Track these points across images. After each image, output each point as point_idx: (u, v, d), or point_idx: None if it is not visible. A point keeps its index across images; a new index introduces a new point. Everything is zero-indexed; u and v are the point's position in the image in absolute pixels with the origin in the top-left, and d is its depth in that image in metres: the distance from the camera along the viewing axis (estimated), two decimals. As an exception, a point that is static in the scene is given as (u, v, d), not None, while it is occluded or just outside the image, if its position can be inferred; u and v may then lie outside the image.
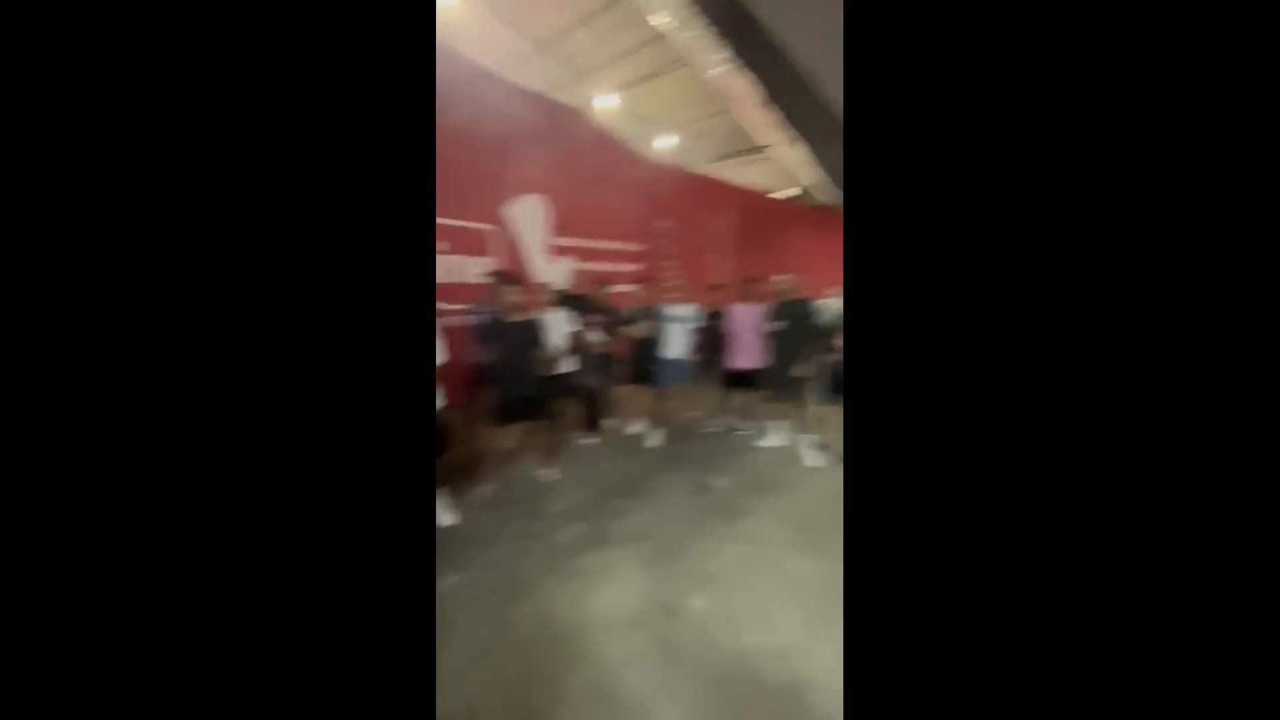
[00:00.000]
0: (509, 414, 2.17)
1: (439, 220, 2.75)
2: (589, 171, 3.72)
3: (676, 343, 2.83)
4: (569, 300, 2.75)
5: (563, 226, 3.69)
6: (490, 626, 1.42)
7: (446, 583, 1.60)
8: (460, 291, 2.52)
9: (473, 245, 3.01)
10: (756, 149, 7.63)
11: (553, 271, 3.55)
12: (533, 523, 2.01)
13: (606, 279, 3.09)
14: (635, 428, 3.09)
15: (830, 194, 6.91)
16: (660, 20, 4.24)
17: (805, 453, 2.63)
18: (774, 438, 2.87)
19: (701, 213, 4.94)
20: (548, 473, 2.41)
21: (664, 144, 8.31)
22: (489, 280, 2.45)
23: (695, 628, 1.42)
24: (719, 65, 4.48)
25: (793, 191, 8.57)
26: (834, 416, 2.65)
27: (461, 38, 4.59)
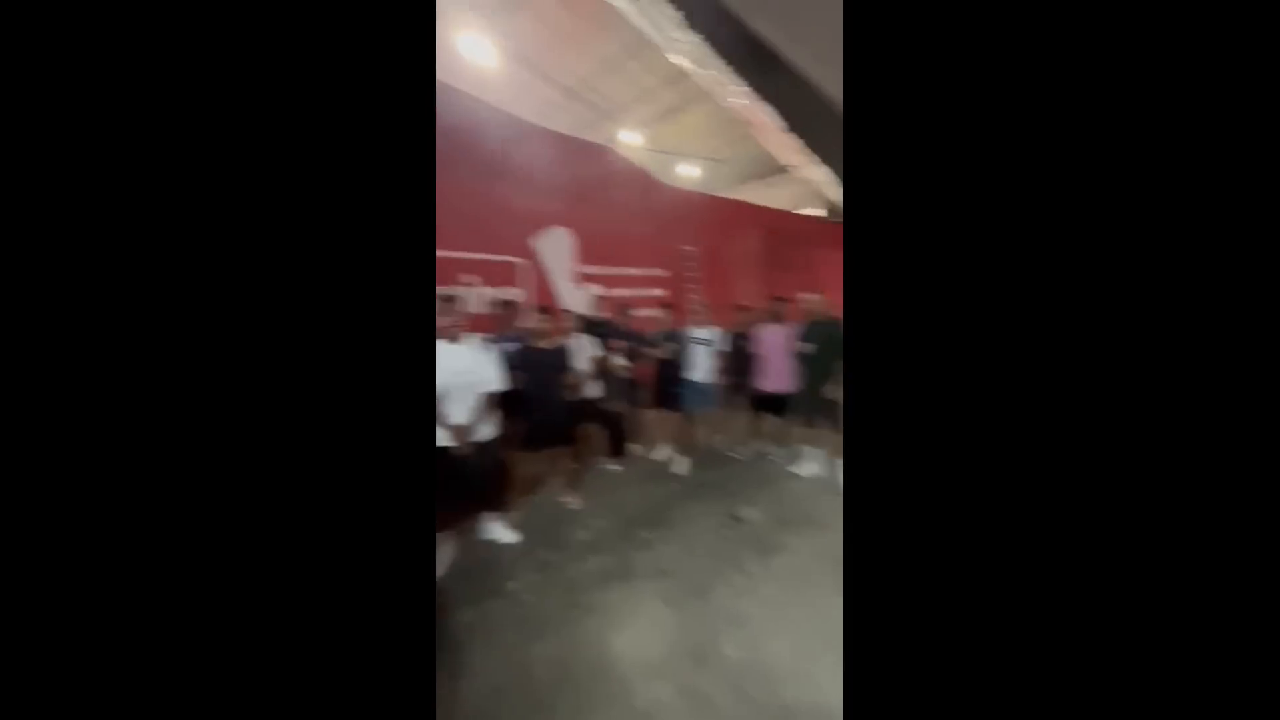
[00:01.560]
0: (536, 440, 2.18)
1: (470, 255, 2.93)
2: (613, 202, 3.86)
3: (702, 366, 2.78)
4: (593, 326, 2.80)
5: (588, 255, 3.81)
6: (507, 663, 1.37)
7: (460, 619, 1.57)
8: (490, 321, 2.63)
9: (502, 277, 3.16)
10: (780, 170, 7.68)
11: (578, 299, 3.64)
12: (554, 553, 1.96)
13: (630, 304, 3.13)
14: (661, 453, 3.01)
15: (859, 211, 6.72)
16: (680, 60, 4.46)
17: (843, 481, 2.44)
18: (808, 465, 2.70)
19: (726, 235, 4.96)
20: (571, 500, 2.37)
21: (688, 172, 8.56)
22: (501, 309, 2.55)
23: (727, 678, 1.29)
24: (738, 97, 4.62)
25: (819, 211, 8.48)
26: (874, 443, 2.45)
27: (498, 92, 5.03)
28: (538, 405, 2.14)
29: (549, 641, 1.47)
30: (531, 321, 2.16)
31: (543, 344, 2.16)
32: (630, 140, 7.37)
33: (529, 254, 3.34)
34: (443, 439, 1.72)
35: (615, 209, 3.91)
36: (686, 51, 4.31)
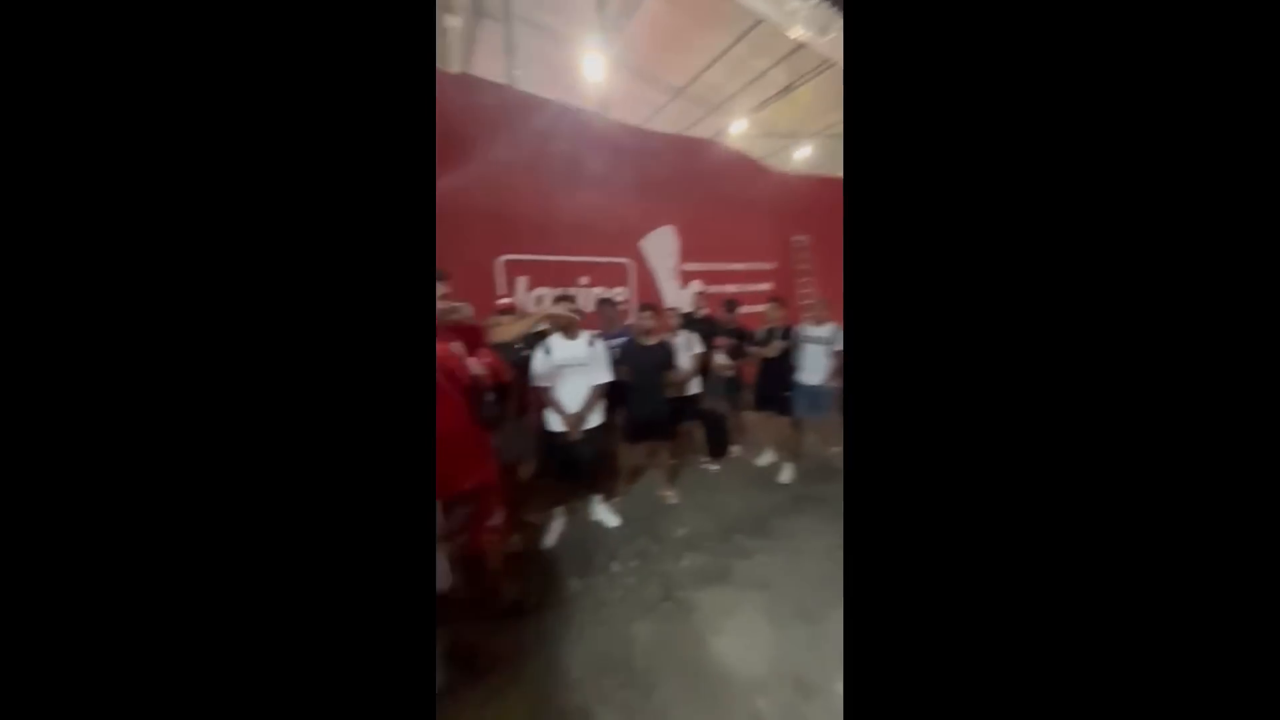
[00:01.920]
0: (635, 433, 2.27)
1: (581, 259, 3.19)
2: (718, 196, 3.76)
3: (815, 367, 2.51)
4: (696, 323, 2.77)
5: (693, 251, 3.80)
6: (611, 636, 1.46)
7: (572, 587, 1.73)
8: (599, 319, 2.84)
9: (615, 277, 3.37)
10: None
11: (682, 296, 3.66)
12: (653, 544, 2.01)
13: (736, 299, 3.01)
14: (765, 459, 2.84)
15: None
16: (798, 31, 4.10)
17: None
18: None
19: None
20: (670, 496, 2.40)
21: (802, 154, 7.83)
22: (608, 308, 2.70)
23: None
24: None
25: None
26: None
27: (607, 102, 5.36)
28: (638, 399, 2.22)
29: (649, 623, 1.52)
30: (637, 319, 2.25)
31: (646, 340, 2.23)
32: (739, 129, 7.07)
33: (636, 253, 3.49)
34: (555, 425, 1.92)
35: (720, 203, 3.80)
36: (806, 18, 3.95)
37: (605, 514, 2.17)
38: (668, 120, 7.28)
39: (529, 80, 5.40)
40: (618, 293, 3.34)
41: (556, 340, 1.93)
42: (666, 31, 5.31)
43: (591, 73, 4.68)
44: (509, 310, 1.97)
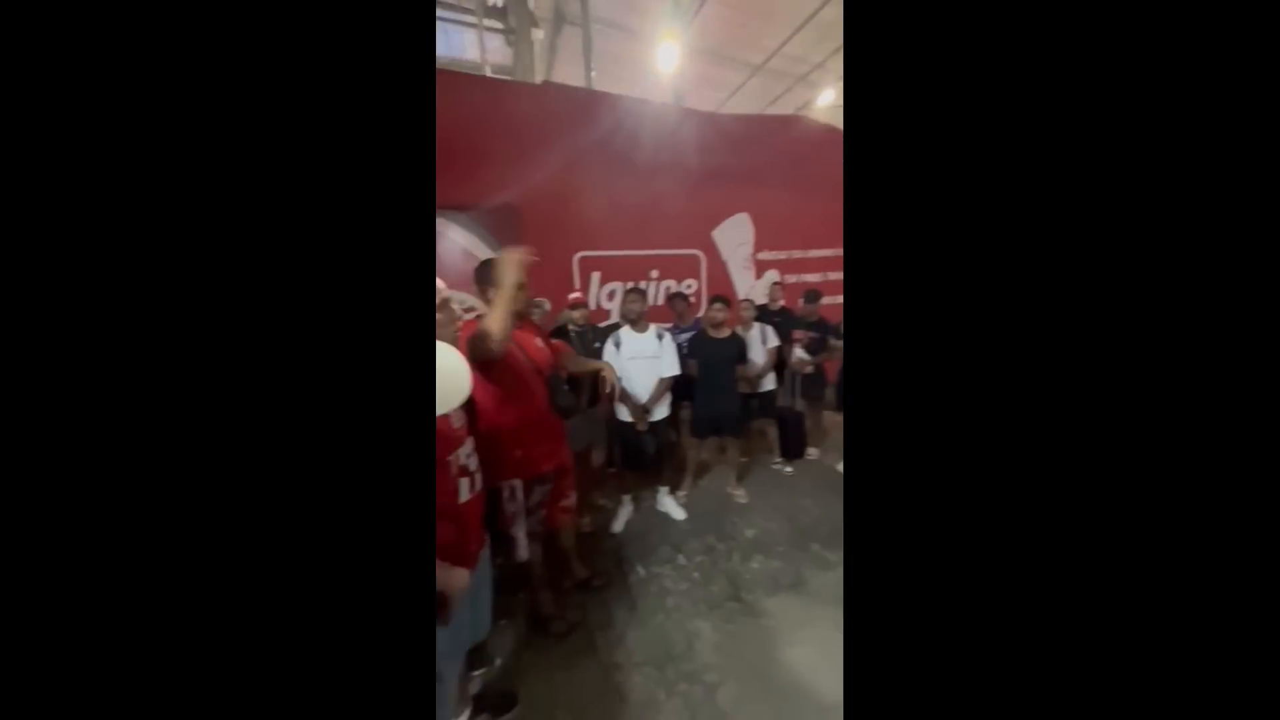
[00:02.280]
0: (702, 428, 2.23)
1: (651, 252, 3.19)
2: (801, 177, 3.46)
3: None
4: (770, 315, 2.61)
5: (770, 239, 3.57)
6: (674, 628, 1.47)
7: (638, 573, 1.77)
8: (669, 311, 2.83)
9: (687, 270, 3.32)
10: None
11: (758, 287, 3.48)
12: (719, 542, 1.97)
13: (818, 290, 2.76)
14: (847, 464, 2.58)
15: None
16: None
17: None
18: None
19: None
20: (739, 494, 2.32)
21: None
22: (678, 301, 2.65)
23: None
24: None
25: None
26: None
27: (681, 90, 5.25)
28: (705, 393, 2.17)
29: (712, 621, 1.50)
30: (706, 311, 2.19)
31: (716, 333, 2.17)
32: (827, 101, 6.41)
33: (708, 243, 3.39)
34: (624, 415, 1.97)
35: (802, 184, 3.49)
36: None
37: (672, 506, 2.18)
38: (747, 99, 6.90)
39: (606, 79, 5.54)
40: (688, 285, 3.29)
41: (626, 333, 1.98)
42: (743, 6, 5.00)
43: (665, 63, 4.63)
44: (580, 304, 2.06)
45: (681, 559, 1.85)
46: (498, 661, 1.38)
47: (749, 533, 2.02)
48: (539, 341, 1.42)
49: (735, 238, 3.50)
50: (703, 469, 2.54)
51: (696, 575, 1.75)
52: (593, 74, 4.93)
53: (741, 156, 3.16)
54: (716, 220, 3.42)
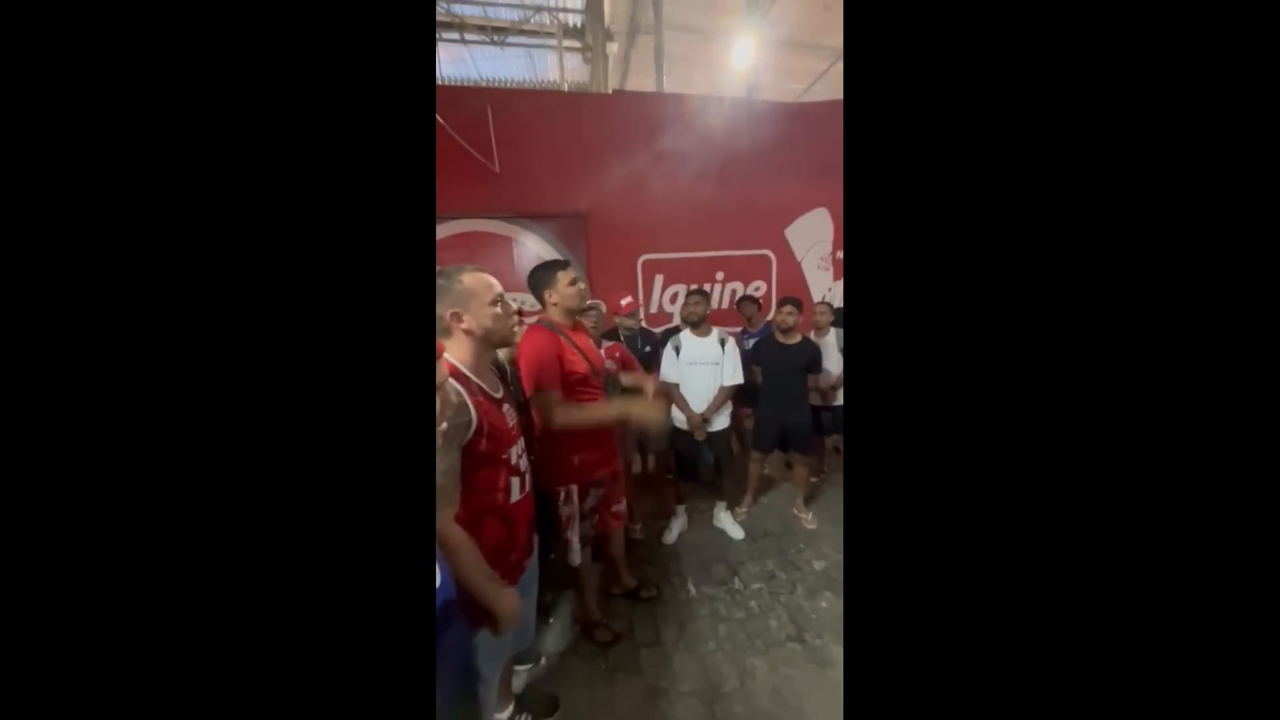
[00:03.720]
0: (763, 441, 2.05)
1: (717, 253, 3.05)
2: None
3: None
4: (852, 320, 2.32)
5: (852, 236, 3.20)
6: (724, 660, 1.35)
7: (689, 591, 1.67)
8: (736, 316, 2.67)
9: (747, 271, 3.14)
10: None
11: (837, 288, 3.15)
12: (782, 570, 1.78)
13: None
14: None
15: None
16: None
17: None
18: None
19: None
20: (806, 519, 2.08)
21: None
22: (746, 305, 2.47)
23: None
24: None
25: None
26: None
27: (757, 83, 5.00)
28: (768, 404, 1.99)
29: (770, 660, 1.34)
30: (776, 315, 2.01)
31: (785, 339, 1.98)
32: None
33: (781, 243, 3.16)
34: (680, 423, 1.88)
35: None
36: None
37: (729, 524, 2.03)
38: (831, 86, 6.37)
39: (677, 83, 5.53)
40: (755, 287, 3.09)
41: (687, 337, 1.90)
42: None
43: (740, 59, 4.46)
44: (631, 309, 2.02)
45: (737, 583, 1.71)
46: (543, 660, 1.39)
47: (817, 565, 1.79)
48: (595, 344, 1.41)
49: (812, 235, 3.21)
50: (765, 485, 2.34)
51: (754, 605, 1.60)
52: (664, 79, 4.96)
53: (821, 147, 2.88)
54: (790, 218, 3.17)
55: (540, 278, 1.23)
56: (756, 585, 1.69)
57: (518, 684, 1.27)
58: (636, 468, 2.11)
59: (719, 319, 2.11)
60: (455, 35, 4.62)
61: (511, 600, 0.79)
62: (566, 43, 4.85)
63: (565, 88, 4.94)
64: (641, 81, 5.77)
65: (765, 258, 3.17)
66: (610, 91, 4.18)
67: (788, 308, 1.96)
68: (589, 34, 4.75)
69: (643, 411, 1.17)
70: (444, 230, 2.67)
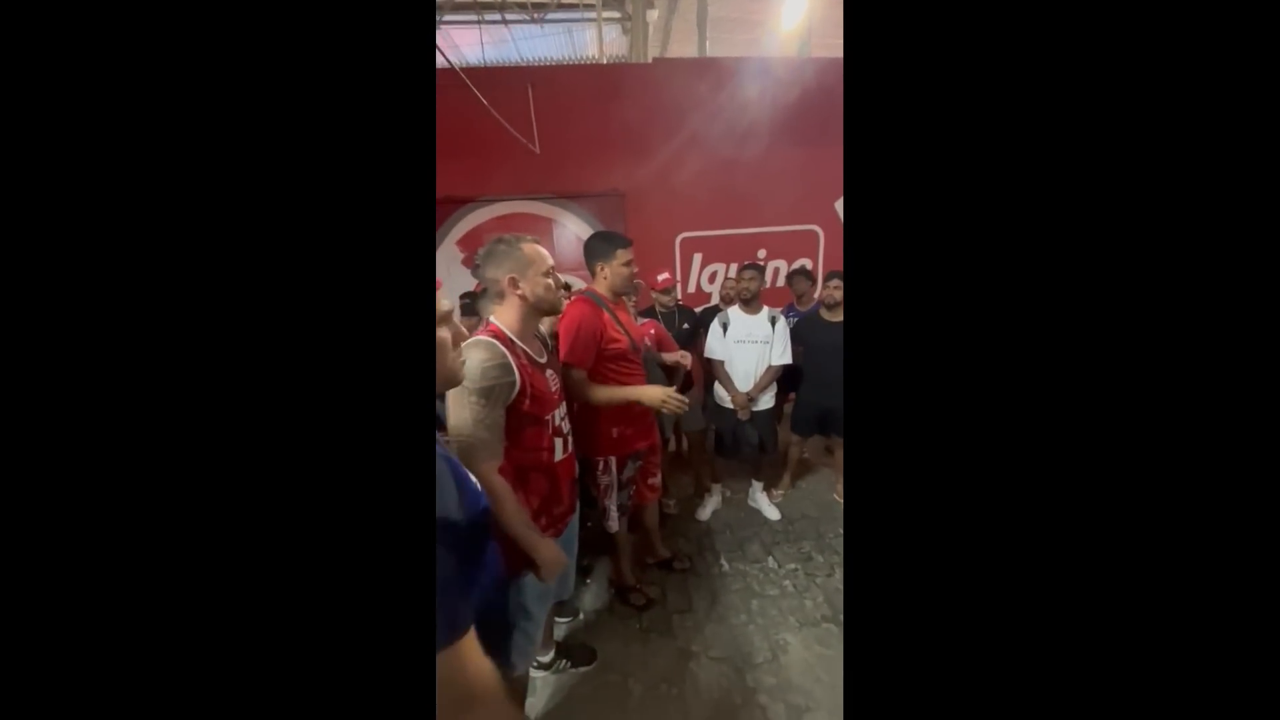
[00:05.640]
0: (804, 424, 1.99)
1: (760, 230, 2.91)
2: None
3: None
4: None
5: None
6: (759, 635, 1.36)
7: (721, 567, 1.69)
8: (784, 293, 2.57)
9: (792, 247, 2.98)
10: None
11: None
12: (819, 553, 1.75)
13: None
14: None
15: None
16: None
17: None
18: None
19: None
20: (843, 502, 2.01)
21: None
22: (798, 280, 2.34)
23: None
24: None
25: None
26: None
27: (809, 38, 4.59)
28: (812, 383, 1.91)
29: (803, 638, 1.34)
30: (823, 291, 1.91)
31: (830, 316, 1.88)
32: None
33: (832, 218, 2.96)
34: (724, 401, 1.87)
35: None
36: None
37: (765, 504, 2.02)
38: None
39: (721, 46, 5.19)
40: (800, 264, 2.94)
41: (735, 314, 1.85)
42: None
43: (790, 16, 4.10)
44: (668, 285, 1.99)
45: (772, 562, 1.71)
46: (581, 615, 1.48)
47: (858, 550, 1.74)
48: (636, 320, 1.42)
49: (865, 207, 2.96)
50: (803, 469, 2.28)
51: (788, 584, 1.59)
52: (707, 44, 4.68)
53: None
54: (841, 190, 2.94)
55: (599, 248, 1.23)
56: (791, 565, 1.68)
57: (558, 634, 1.37)
58: (670, 446, 2.13)
59: (766, 298, 2.03)
60: (497, 16, 4.63)
61: (552, 547, 0.84)
62: (606, 14, 4.70)
63: (604, 61, 4.83)
64: (684, 49, 5.48)
65: (812, 233, 2.98)
66: (650, 60, 4.02)
67: (835, 281, 1.85)
68: (629, 1, 4.57)
69: (651, 395, 1.17)
70: (487, 213, 2.75)
